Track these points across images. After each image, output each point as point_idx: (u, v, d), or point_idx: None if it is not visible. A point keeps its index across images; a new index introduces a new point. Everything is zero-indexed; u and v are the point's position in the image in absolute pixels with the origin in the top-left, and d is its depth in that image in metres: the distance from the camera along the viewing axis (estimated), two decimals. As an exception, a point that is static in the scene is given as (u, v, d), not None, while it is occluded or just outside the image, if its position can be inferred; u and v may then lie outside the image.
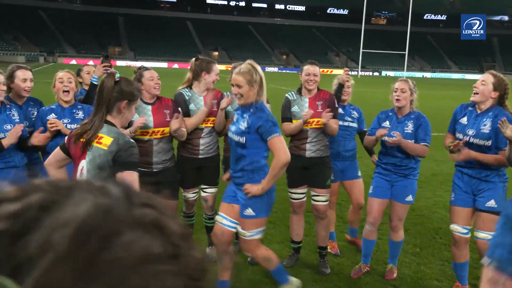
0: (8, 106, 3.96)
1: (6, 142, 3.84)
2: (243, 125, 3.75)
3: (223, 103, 4.64)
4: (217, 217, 4.01)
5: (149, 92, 4.39)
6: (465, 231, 4.21)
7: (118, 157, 2.74)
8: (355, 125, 5.22)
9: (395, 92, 4.56)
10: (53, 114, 4.26)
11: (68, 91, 4.31)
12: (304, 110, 4.70)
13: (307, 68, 4.76)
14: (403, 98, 4.52)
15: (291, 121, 4.76)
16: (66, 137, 3.03)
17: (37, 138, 4.02)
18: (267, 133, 3.71)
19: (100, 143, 2.82)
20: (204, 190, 4.93)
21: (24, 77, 4.23)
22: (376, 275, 4.77)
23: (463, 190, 4.18)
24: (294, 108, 4.77)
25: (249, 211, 3.82)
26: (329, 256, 5.15)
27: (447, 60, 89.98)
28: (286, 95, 4.88)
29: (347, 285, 4.55)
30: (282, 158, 3.72)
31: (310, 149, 4.72)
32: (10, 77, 4.23)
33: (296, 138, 4.78)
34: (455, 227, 4.23)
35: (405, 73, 66.37)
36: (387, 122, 4.61)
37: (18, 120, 3.98)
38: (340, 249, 5.38)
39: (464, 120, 4.18)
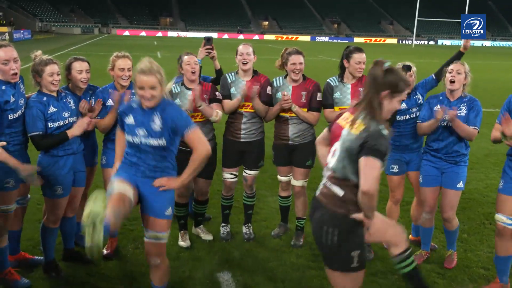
0: (63, 94, 4.13)
1: (71, 133, 4.03)
2: (156, 126, 3.39)
3: (253, 92, 4.71)
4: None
5: (187, 77, 4.67)
6: (511, 221, 4.08)
7: (365, 143, 2.75)
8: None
9: (450, 73, 4.43)
10: (110, 99, 4.47)
11: (127, 79, 4.52)
12: (347, 96, 4.69)
13: (358, 56, 4.61)
14: (457, 80, 4.40)
15: (333, 108, 4.73)
16: (335, 117, 3.16)
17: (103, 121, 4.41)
18: (183, 127, 3.45)
19: (354, 128, 2.86)
20: (245, 171, 5.12)
21: (80, 69, 4.37)
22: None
23: None
24: (337, 95, 4.74)
25: (169, 211, 3.52)
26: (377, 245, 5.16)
27: (509, 27, 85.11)
28: (328, 80, 4.82)
29: (389, 270, 4.54)
30: (204, 150, 3.51)
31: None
32: (68, 69, 4.40)
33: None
34: (500, 217, 4.10)
35: (462, 42, 63.47)
36: (438, 107, 4.48)
37: (74, 108, 4.16)
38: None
39: None
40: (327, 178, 3.02)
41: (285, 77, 4.90)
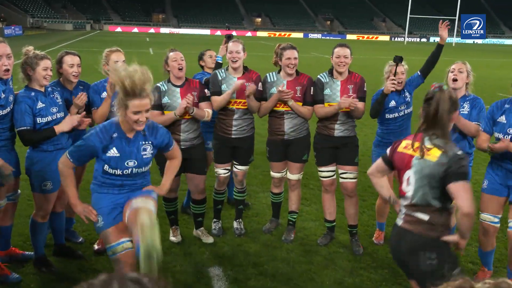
0: (50, 89, 4.12)
1: (58, 129, 4.02)
2: (148, 154, 3.35)
3: (247, 91, 4.71)
4: (124, 245, 3.27)
5: (173, 74, 4.64)
6: (496, 220, 4.14)
7: (450, 168, 2.76)
8: (410, 110, 4.87)
9: (452, 72, 4.45)
10: (105, 93, 4.48)
11: None
12: (337, 93, 4.74)
13: (337, 50, 4.71)
14: (460, 78, 4.42)
15: (323, 103, 4.78)
16: (390, 149, 3.10)
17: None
18: (170, 145, 3.51)
19: (429, 154, 2.85)
20: (236, 166, 5.13)
21: (71, 63, 4.37)
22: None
23: (497, 180, 4.08)
24: (327, 91, 4.79)
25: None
26: (367, 240, 5.20)
27: (502, 25, 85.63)
28: (318, 76, 4.87)
29: (379, 265, 4.59)
30: (181, 158, 3.70)
31: (339, 129, 4.80)
32: (59, 62, 4.40)
33: (326, 119, 4.84)
34: (486, 216, 4.15)
35: (454, 39, 63.70)
36: None
37: (61, 103, 4.15)
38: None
39: (503, 119, 3.99)
40: (407, 207, 2.97)
41: (279, 72, 4.92)
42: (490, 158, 4.23)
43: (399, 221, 3.02)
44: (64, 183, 3.38)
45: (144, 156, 3.32)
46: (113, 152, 3.23)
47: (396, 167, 3.07)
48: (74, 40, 38.88)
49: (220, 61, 5.29)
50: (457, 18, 61.82)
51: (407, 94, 4.82)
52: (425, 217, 2.87)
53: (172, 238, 4.95)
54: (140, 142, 3.30)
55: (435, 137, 2.87)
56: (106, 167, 3.27)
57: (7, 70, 3.78)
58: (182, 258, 4.59)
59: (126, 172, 3.29)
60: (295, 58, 4.77)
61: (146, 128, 3.32)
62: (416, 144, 2.91)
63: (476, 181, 7.34)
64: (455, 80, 4.42)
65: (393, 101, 4.78)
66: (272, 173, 5.18)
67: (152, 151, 3.37)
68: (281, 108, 4.84)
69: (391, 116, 4.80)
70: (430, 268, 2.85)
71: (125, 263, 3.18)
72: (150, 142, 3.34)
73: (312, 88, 4.84)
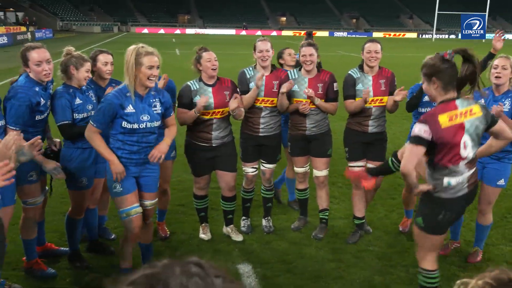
0: (85, 87, 4.23)
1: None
2: (158, 109, 3.82)
3: (284, 88, 4.71)
4: (136, 209, 3.87)
5: (207, 73, 4.64)
6: None
7: (488, 113, 3.23)
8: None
9: (495, 69, 4.34)
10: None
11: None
12: (369, 88, 4.78)
13: (368, 46, 4.76)
14: (503, 75, 4.32)
15: (355, 99, 4.80)
16: (427, 133, 3.07)
17: None
18: (171, 110, 3.99)
19: (474, 113, 3.16)
20: (263, 165, 5.15)
21: (105, 61, 4.49)
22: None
23: None
24: (359, 86, 4.82)
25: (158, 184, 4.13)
26: (397, 238, 5.17)
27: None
28: (350, 72, 4.91)
29: (410, 263, 4.54)
30: (176, 127, 4.11)
31: (373, 125, 4.87)
32: (93, 60, 4.51)
33: (360, 115, 4.86)
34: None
35: (493, 42, 62.32)
36: (482, 101, 4.36)
37: (95, 101, 4.26)
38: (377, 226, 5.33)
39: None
40: (470, 167, 3.23)
41: (300, 69, 4.95)
42: None
43: (465, 189, 3.26)
44: (97, 148, 3.75)
45: (154, 111, 3.78)
46: (129, 108, 3.67)
47: (443, 144, 3.12)
48: (102, 42, 39.57)
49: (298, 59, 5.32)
50: (487, 13, 60.46)
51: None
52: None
53: (202, 236, 5.01)
54: (151, 100, 3.79)
55: (462, 97, 3.18)
56: (124, 123, 3.68)
57: (48, 74, 3.91)
58: (212, 255, 4.64)
59: (141, 126, 3.72)
60: (311, 55, 4.79)
61: (154, 89, 3.82)
62: (460, 110, 3.12)
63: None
64: (498, 77, 4.31)
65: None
66: (296, 169, 5.19)
67: (160, 108, 3.83)
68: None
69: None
70: None
71: (136, 224, 3.84)
72: (158, 99, 3.83)
73: (335, 84, 4.89)
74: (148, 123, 3.73)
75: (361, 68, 4.87)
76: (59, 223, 4.99)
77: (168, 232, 5.09)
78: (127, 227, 3.86)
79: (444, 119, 3.07)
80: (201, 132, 4.69)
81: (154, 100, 3.79)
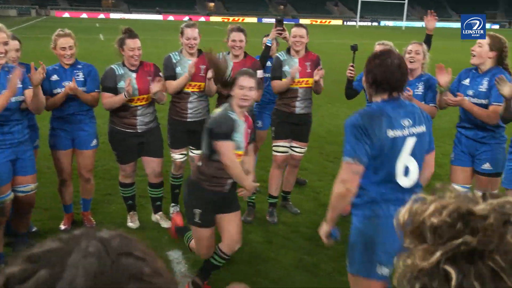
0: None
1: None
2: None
3: (210, 73, 4.66)
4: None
5: (128, 61, 4.55)
6: (465, 190, 4.33)
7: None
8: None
9: (409, 54, 4.53)
10: (55, 75, 4.47)
11: (70, 57, 4.50)
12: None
13: (294, 30, 4.95)
14: (417, 60, 4.52)
15: (281, 79, 4.96)
16: None
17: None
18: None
19: None
20: (192, 151, 5.09)
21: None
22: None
23: (461, 150, 4.33)
24: (285, 68, 4.96)
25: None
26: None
27: (448, 8, 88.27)
28: (277, 54, 5.09)
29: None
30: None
31: (300, 106, 5.02)
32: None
33: (287, 96, 5.00)
34: (455, 187, 4.36)
35: (404, 23, 65.23)
36: (467, 80, 4.47)
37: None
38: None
39: (466, 81, 4.26)
40: None
41: (288, 51, 5.02)
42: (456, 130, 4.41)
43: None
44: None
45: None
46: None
47: None
48: (18, 27, 37.28)
49: (270, 44, 5.20)
50: (406, 1, 63.25)
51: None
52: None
53: (130, 224, 4.90)
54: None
55: None
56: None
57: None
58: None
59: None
60: (241, 41, 4.82)
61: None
62: None
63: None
64: (412, 61, 4.50)
65: None
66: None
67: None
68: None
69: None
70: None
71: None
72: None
73: (258, 71, 4.91)
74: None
75: (288, 51, 5.02)
76: None
77: (94, 222, 4.93)
78: None
79: None
80: (125, 118, 4.58)
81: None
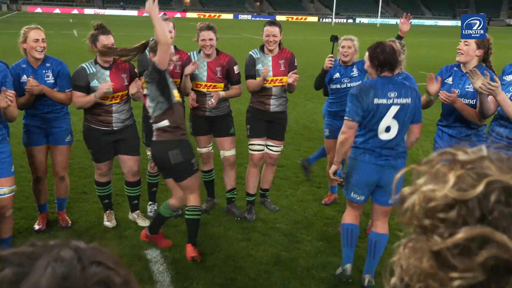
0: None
1: None
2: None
3: (187, 70, 4.64)
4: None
5: (102, 59, 4.46)
6: None
7: None
8: (355, 83, 4.92)
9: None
10: (25, 76, 4.34)
11: (42, 50, 4.37)
12: (269, 68, 4.87)
13: (267, 29, 4.86)
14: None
15: (255, 78, 4.92)
16: None
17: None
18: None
19: None
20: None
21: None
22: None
23: (442, 147, 4.34)
24: (259, 66, 4.92)
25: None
26: (302, 215, 5.35)
27: (421, 6, 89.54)
28: (250, 52, 5.01)
29: (314, 238, 4.74)
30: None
31: (274, 104, 4.98)
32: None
33: (261, 94, 4.96)
34: None
35: (379, 20, 65.93)
36: (450, 79, 4.61)
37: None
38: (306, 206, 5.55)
39: (449, 80, 4.24)
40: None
41: (261, 49, 4.96)
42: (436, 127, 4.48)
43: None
44: None
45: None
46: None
47: None
48: (-11, 22, 36.37)
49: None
50: (380, 0, 63.92)
51: (355, 69, 5.07)
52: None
53: (106, 223, 4.84)
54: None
55: None
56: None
57: None
58: (118, 242, 4.50)
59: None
60: (211, 39, 4.79)
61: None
62: None
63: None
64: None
65: (338, 73, 5.09)
66: (199, 149, 5.19)
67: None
68: (202, 89, 4.89)
69: (334, 86, 5.12)
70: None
71: None
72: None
73: (235, 67, 4.95)
74: None
75: (261, 49, 4.96)
76: None
77: (70, 222, 4.85)
78: None
79: None
80: (100, 116, 4.51)
81: None
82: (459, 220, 0.62)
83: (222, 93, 4.89)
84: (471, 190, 0.62)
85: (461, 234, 0.60)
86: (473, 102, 4.05)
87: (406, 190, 0.69)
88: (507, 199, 0.61)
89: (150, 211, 5.14)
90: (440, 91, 4.06)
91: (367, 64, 3.72)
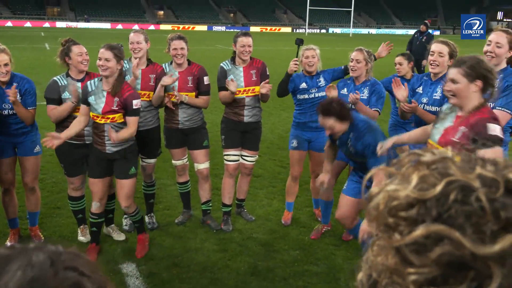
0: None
1: None
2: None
3: (167, 80, 4.63)
4: None
5: (77, 68, 4.44)
6: None
7: None
8: (322, 93, 4.97)
9: (351, 62, 4.74)
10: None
11: (5, 74, 4.28)
12: (240, 78, 4.90)
13: (242, 39, 4.86)
14: (358, 68, 4.71)
15: (227, 90, 4.88)
16: None
17: None
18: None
19: None
20: (143, 160, 5.06)
21: None
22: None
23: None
24: (230, 78, 4.90)
25: None
26: (279, 223, 5.36)
27: (392, 16, 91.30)
28: (221, 64, 5.02)
29: (291, 247, 4.75)
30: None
31: (248, 115, 4.99)
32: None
33: (235, 105, 4.98)
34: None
35: (351, 30, 66.93)
36: (345, 90, 4.82)
37: None
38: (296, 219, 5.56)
39: (420, 89, 4.35)
40: None
41: (232, 60, 4.95)
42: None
43: None
44: None
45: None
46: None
47: None
48: (-43, 36, 35.60)
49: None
50: (352, 9, 64.98)
51: (321, 79, 5.06)
52: None
53: (80, 238, 4.76)
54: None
55: None
56: None
57: None
58: (93, 257, 4.44)
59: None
60: (182, 49, 4.79)
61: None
62: None
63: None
64: (354, 70, 4.73)
65: (304, 83, 5.04)
66: (174, 162, 5.18)
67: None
68: (173, 99, 4.85)
69: (302, 97, 5.06)
70: None
71: None
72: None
73: (205, 77, 4.95)
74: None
75: (233, 60, 4.96)
76: None
77: (43, 237, 4.76)
78: None
79: None
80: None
81: None
82: (418, 218, 0.64)
83: (186, 97, 4.83)
84: (431, 189, 0.65)
85: (417, 232, 0.63)
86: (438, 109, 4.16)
87: (374, 189, 0.72)
88: (464, 198, 0.63)
89: (126, 225, 5.08)
90: (401, 105, 4.09)
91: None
